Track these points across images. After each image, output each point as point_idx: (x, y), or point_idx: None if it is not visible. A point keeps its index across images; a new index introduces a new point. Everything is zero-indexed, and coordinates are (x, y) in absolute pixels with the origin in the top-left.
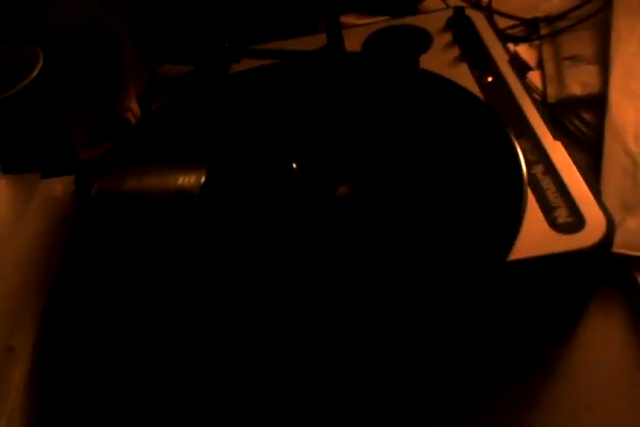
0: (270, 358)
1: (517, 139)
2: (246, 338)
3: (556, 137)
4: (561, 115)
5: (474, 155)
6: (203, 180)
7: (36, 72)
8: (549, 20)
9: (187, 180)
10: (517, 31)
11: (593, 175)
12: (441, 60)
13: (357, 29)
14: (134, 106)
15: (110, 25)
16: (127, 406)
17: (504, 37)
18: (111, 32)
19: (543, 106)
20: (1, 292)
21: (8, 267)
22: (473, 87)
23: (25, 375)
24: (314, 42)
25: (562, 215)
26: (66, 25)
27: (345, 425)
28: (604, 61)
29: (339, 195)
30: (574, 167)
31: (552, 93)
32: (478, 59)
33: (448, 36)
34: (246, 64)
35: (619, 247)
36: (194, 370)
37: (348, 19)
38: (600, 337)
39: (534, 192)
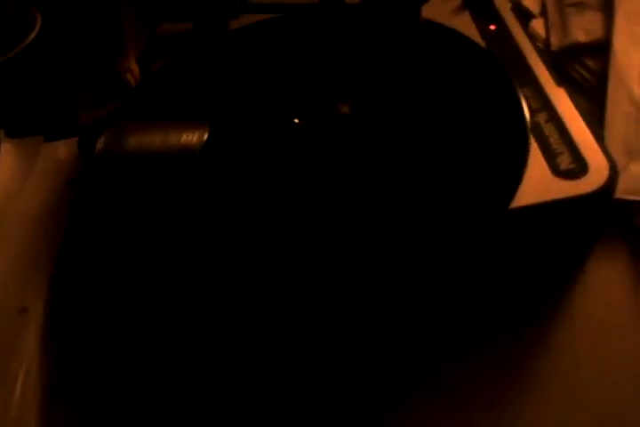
0: (267, 338)
1: (520, 86)
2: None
3: (559, 84)
4: (565, 62)
5: (477, 103)
6: (205, 137)
7: (34, 34)
8: None
9: (189, 137)
10: None
11: (596, 122)
12: (443, 9)
13: None
14: (134, 67)
15: None
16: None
17: None
18: None
19: (546, 54)
20: (11, 254)
21: (17, 231)
22: (475, 36)
23: (39, 333)
24: None
25: (565, 162)
26: None
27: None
28: (607, 7)
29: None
30: (577, 114)
31: (555, 41)
32: (480, 7)
33: None
34: (245, 19)
35: (622, 193)
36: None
37: None
38: (603, 282)
39: (537, 139)
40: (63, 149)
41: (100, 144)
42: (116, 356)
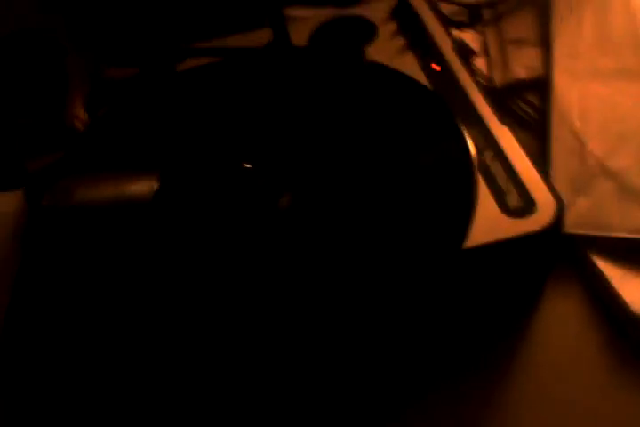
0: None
1: (466, 126)
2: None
3: (503, 122)
4: (507, 99)
5: (423, 144)
6: (155, 186)
7: None
8: (492, 4)
9: (139, 187)
10: (461, 17)
11: (541, 158)
12: (387, 50)
13: (303, 22)
14: (81, 112)
15: (51, 30)
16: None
17: (449, 24)
18: (52, 37)
19: (489, 91)
20: None
21: None
22: (420, 76)
23: None
24: (260, 37)
25: (513, 200)
26: (2, 29)
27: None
28: (546, 44)
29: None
30: (522, 152)
31: (498, 78)
32: (424, 47)
33: (393, 26)
34: (191, 63)
35: (570, 228)
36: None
37: (292, 11)
38: (558, 317)
39: (485, 178)
40: (11, 201)
41: (46, 196)
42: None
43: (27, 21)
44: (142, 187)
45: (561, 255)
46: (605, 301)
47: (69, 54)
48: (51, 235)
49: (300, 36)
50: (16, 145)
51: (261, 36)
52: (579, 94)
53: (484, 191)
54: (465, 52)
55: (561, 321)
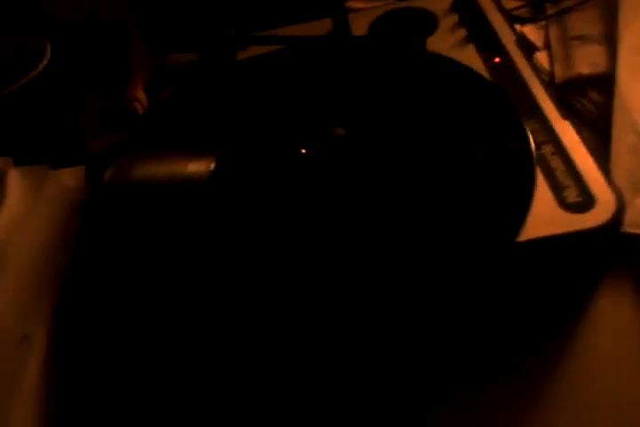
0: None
1: (526, 119)
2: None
3: (564, 117)
4: (569, 95)
5: (483, 136)
6: (212, 166)
7: (44, 63)
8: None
9: (196, 167)
10: (523, 12)
11: (602, 156)
12: (447, 42)
13: (363, 13)
14: (142, 96)
15: (116, 15)
16: (134, 392)
17: (510, 18)
18: (117, 22)
19: (551, 86)
20: (17, 283)
21: (22, 258)
22: (480, 68)
23: (40, 362)
24: (320, 27)
25: (571, 195)
26: (71, 16)
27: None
28: (611, 40)
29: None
30: (583, 146)
31: (559, 73)
32: (485, 40)
33: (454, 18)
34: (253, 51)
35: (629, 227)
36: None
37: (353, 3)
38: (611, 316)
39: (543, 172)
40: (71, 177)
41: (107, 174)
42: (120, 383)
43: (95, 8)
44: (199, 167)
45: (618, 255)
46: None
47: (133, 39)
48: (110, 210)
49: (360, 27)
50: (79, 124)
51: (322, 26)
52: None
53: (542, 185)
54: (527, 47)
55: (614, 321)
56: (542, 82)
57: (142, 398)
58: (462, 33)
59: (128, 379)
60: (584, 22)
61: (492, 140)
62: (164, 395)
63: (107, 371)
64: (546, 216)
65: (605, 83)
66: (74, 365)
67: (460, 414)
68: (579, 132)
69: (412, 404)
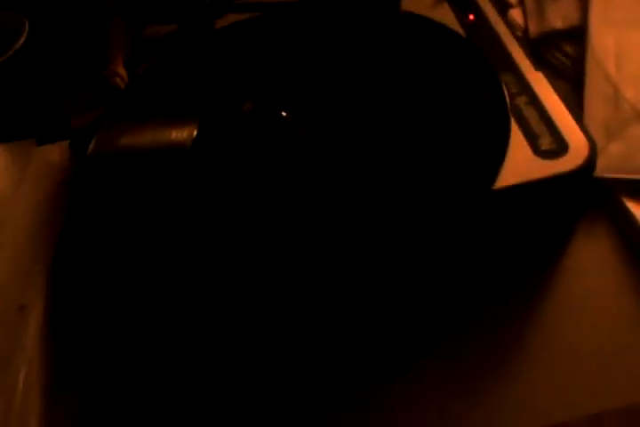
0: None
1: (500, 72)
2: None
3: (537, 68)
4: (543, 49)
5: (460, 89)
6: (195, 132)
7: (22, 40)
8: None
9: (179, 133)
10: None
11: (575, 104)
12: (422, 1)
13: None
14: (122, 70)
15: None
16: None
17: None
18: None
19: (525, 41)
20: (10, 255)
21: (14, 231)
22: (455, 26)
23: (38, 330)
24: None
25: (545, 142)
26: None
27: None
28: None
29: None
30: (556, 96)
31: (533, 28)
32: None
33: None
34: (230, 19)
35: (602, 171)
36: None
37: None
38: (588, 260)
39: (518, 122)
40: (56, 152)
41: (91, 145)
42: (116, 349)
43: None
44: (183, 133)
45: (592, 200)
46: (636, 244)
47: (110, 13)
48: (96, 180)
49: None
50: (61, 100)
51: None
52: (615, 42)
53: (516, 134)
54: (501, 4)
55: (591, 262)
56: (516, 37)
57: (140, 378)
58: None
59: (124, 357)
60: None
61: (469, 93)
62: (157, 362)
63: (105, 346)
64: (521, 164)
65: (578, 36)
66: (71, 334)
67: (448, 360)
68: (552, 83)
69: (396, 354)
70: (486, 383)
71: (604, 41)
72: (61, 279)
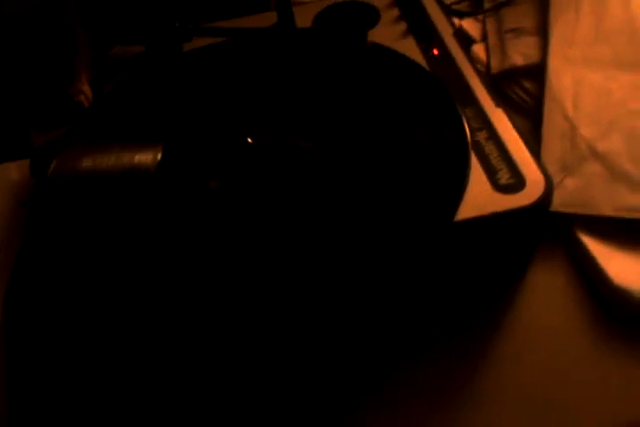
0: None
1: (462, 107)
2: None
3: (498, 105)
4: (504, 85)
5: (421, 122)
6: (159, 156)
7: None
8: None
9: (143, 157)
10: (462, 6)
11: (534, 140)
12: (389, 34)
13: (307, 6)
14: (87, 89)
15: (59, 8)
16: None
17: (449, 12)
18: (60, 15)
19: (486, 76)
20: None
21: None
22: (420, 60)
23: None
24: (266, 19)
25: (504, 177)
26: (13, 9)
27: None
28: (543, 32)
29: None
30: (515, 132)
31: (495, 64)
32: (424, 33)
33: (395, 12)
34: (199, 42)
35: (558, 206)
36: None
37: None
38: (544, 290)
39: (478, 157)
40: (15, 171)
41: (52, 165)
42: (73, 377)
43: (35, 1)
44: (146, 157)
45: (548, 233)
46: (590, 275)
47: (77, 31)
48: (55, 202)
49: (304, 19)
50: (23, 118)
51: (267, 19)
52: (573, 80)
53: (476, 169)
54: (464, 39)
55: (547, 294)
56: (478, 72)
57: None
58: (403, 26)
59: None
60: (519, 16)
61: (431, 128)
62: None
63: (56, 365)
64: (480, 197)
65: (538, 72)
66: (23, 364)
67: (405, 389)
68: (512, 119)
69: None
70: (447, 409)
71: (563, 79)
72: (15, 306)
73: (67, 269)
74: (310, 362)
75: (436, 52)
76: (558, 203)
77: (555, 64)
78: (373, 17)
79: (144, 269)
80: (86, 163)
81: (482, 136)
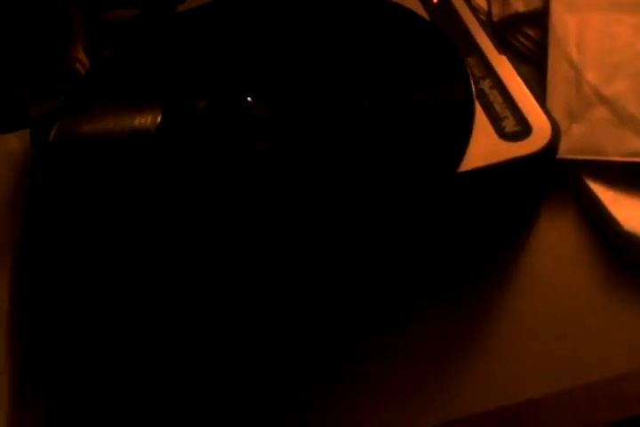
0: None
1: (465, 56)
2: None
3: (501, 52)
4: (506, 32)
5: (424, 72)
6: (159, 119)
7: None
8: None
9: (143, 120)
10: None
11: (539, 87)
12: None
13: None
14: (83, 56)
15: None
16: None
17: None
18: None
19: (488, 24)
20: None
21: None
22: (419, 10)
23: (4, 328)
24: None
25: (509, 125)
26: None
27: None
28: None
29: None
30: (519, 79)
31: (496, 12)
32: None
33: None
34: (192, 3)
35: (565, 153)
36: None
37: None
38: (553, 237)
39: (482, 105)
40: (15, 141)
41: (53, 132)
42: (83, 344)
43: None
44: (146, 120)
45: (556, 181)
46: (599, 221)
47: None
48: (58, 169)
49: None
50: (21, 88)
51: None
52: (576, 25)
53: (481, 117)
54: None
55: (556, 241)
56: (479, 21)
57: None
58: None
59: (92, 352)
60: None
61: (434, 77)
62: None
63: (72, 341)
64: (486, 146)
65: (540, 18)
66: (37, 329)
67: (418, 332)
68: (516, 66)
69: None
70: (457, 355)
71: (566, 25)
72: (26, 274)
73: (72, 232)
74: (318, 307)
75: (435, 1)
76: (565, 150)
77: (557, 9)
78: None
79: (147, 231)
80: (86, 127)
81: (485, 84)
